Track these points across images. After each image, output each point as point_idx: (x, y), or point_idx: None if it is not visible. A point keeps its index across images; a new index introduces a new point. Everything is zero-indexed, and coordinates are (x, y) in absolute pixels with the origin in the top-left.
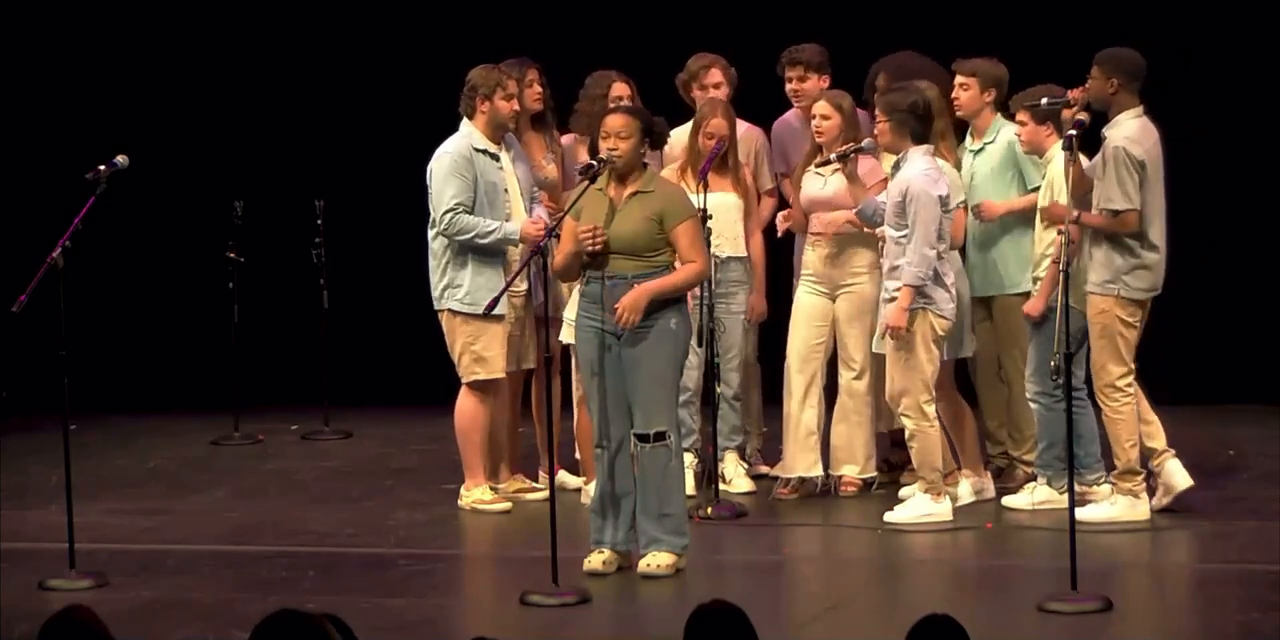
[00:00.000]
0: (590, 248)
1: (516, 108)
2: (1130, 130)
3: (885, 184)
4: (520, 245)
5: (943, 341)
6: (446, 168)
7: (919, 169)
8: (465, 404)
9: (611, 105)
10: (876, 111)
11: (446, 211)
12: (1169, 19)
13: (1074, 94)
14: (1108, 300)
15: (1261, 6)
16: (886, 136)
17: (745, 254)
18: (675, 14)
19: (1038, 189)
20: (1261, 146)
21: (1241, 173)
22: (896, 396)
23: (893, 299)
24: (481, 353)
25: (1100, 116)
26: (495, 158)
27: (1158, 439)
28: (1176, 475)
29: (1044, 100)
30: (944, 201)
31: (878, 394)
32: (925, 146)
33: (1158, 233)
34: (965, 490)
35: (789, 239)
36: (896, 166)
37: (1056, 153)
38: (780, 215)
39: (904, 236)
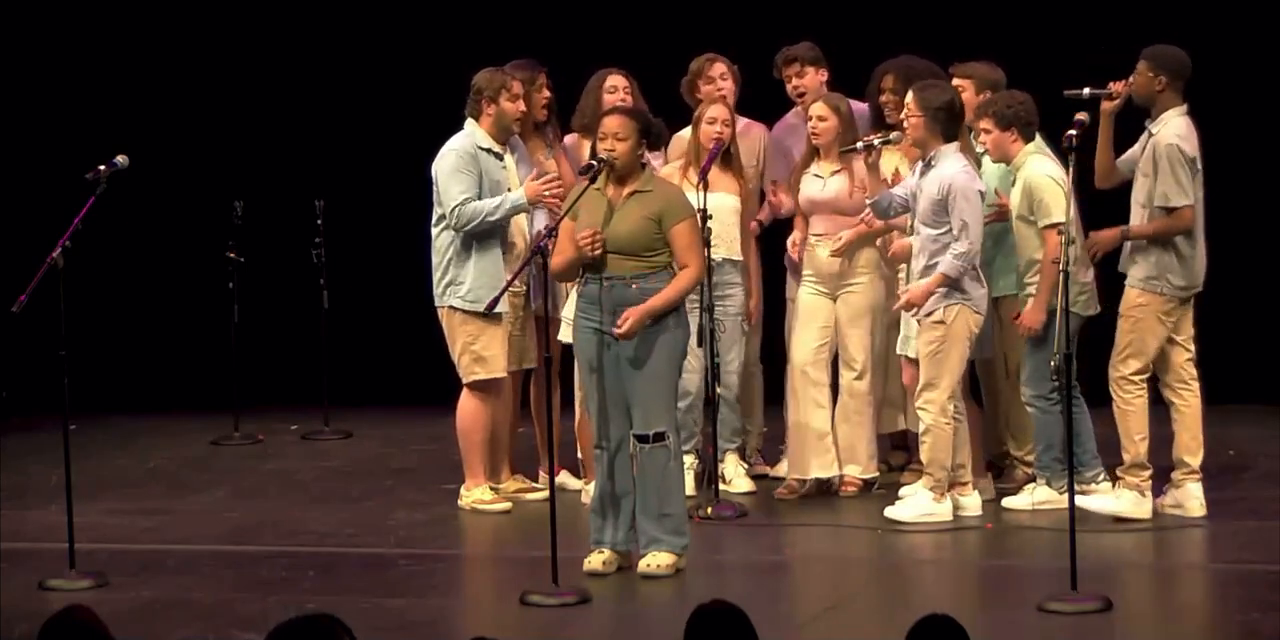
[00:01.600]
0: (590, 253)
1: (523, 109)
2: (1179, 128)
3: (888, 182)
4: (532, 209)
5: (975, 339)
6: (451, 164)
7: (957, 167)
8: (467, 404)
9: (607, 95)
10: (910, 107)
11: (456, 205)
12: (1167, 19)
13: (1116, 87)
14: (1147, 296)
15: (1260, 6)
16: (919, 132)
17: (740, 257)
18: (678, 16)
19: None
20: (1261, 148)
21: (1241, 173)
22: (920, 390)
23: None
24: (481, 352)
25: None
26: (499, 157)
27: (1196, 457)
28: (1193, 501)
29: (1086, 91)
30: (981, 196)
31: (879, 394)
32: (956, 144)
33: (1200, 231)
34: (974, 502)
35: (781, 238)
36: (928, 164)
37: (1027, 158)
38: (790, 242)
39: (943, 234)
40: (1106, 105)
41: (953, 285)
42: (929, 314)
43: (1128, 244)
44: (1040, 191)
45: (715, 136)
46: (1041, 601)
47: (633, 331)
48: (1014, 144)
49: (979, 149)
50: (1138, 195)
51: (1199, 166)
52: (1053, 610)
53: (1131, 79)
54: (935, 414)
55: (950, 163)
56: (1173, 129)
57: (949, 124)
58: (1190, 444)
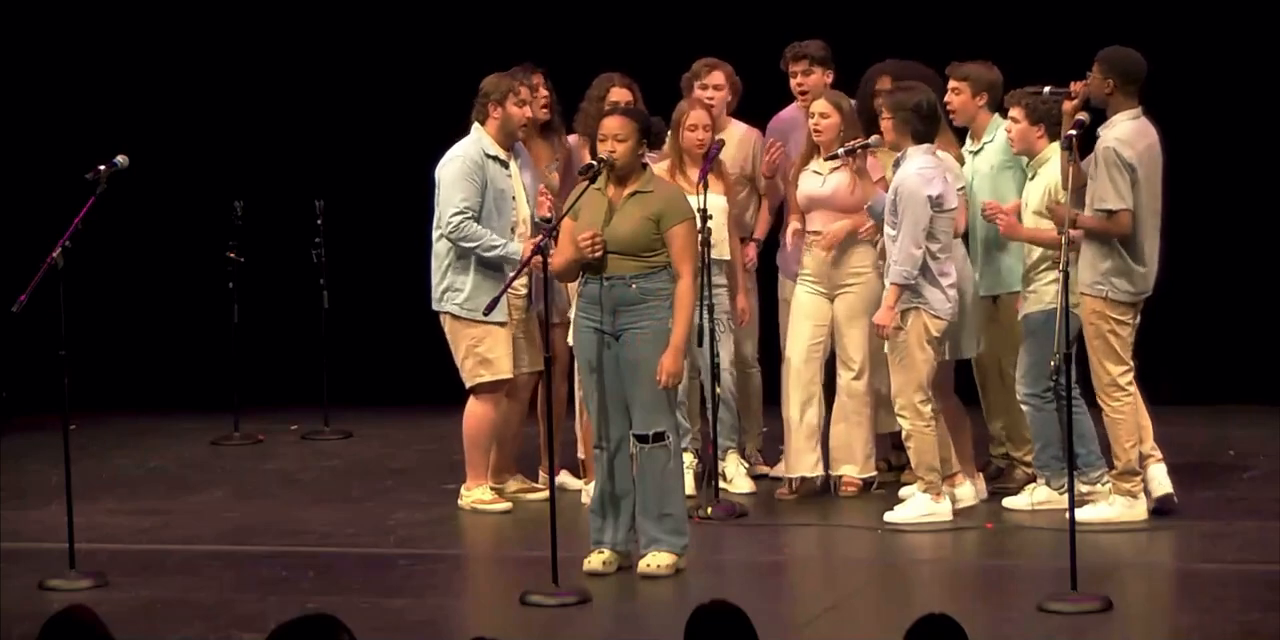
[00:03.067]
0: (590, 255)
1: (529, 114)
2: (1123, 132)
3: (885, 182)
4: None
5: (938, 342)
6: (457, 171)
7: (914, 168)
8: (474, 407)
9: (608, 108)
10: (882, 110)
11: (455, 214)
12: (1166, 19)
13: (1076, 87)
14: (1097, 301)
15: (1258, 7)
16: (890, 134)
17: (729, 257)
18: (680, 17)
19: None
20: (1260, 146)
21: (1241, 172)
22: (894, 396)
23: None
24: (486, 355)
25: (1101, 115)
26: (505, 164)
27: (1146, 442)
28: (1156, 480)
29: (1046, 90)
30: (937, 201)
31: (877, 394)
32: (926, 146)
33: (1147, 236)
34: (968, 492)
35: (775, 239)
36: (897, 164)
37: (1052, 154)
38: (791, 231)
39: (897, 235)
40: (1067, 105)
41: (909, 289)
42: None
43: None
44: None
45: (699, 142)
46: (1041, 601)
47: (675, 371)
48: (1039, 139)
49: (971, 146)
50: (1088, 197)
51: (1140, 173)
52: (1053, 610)
53: (1088, 80)
54: (912, 418)
55: (910, 164)
56: (1115, 133)
57: (920, 125)
58: (1140, 434)
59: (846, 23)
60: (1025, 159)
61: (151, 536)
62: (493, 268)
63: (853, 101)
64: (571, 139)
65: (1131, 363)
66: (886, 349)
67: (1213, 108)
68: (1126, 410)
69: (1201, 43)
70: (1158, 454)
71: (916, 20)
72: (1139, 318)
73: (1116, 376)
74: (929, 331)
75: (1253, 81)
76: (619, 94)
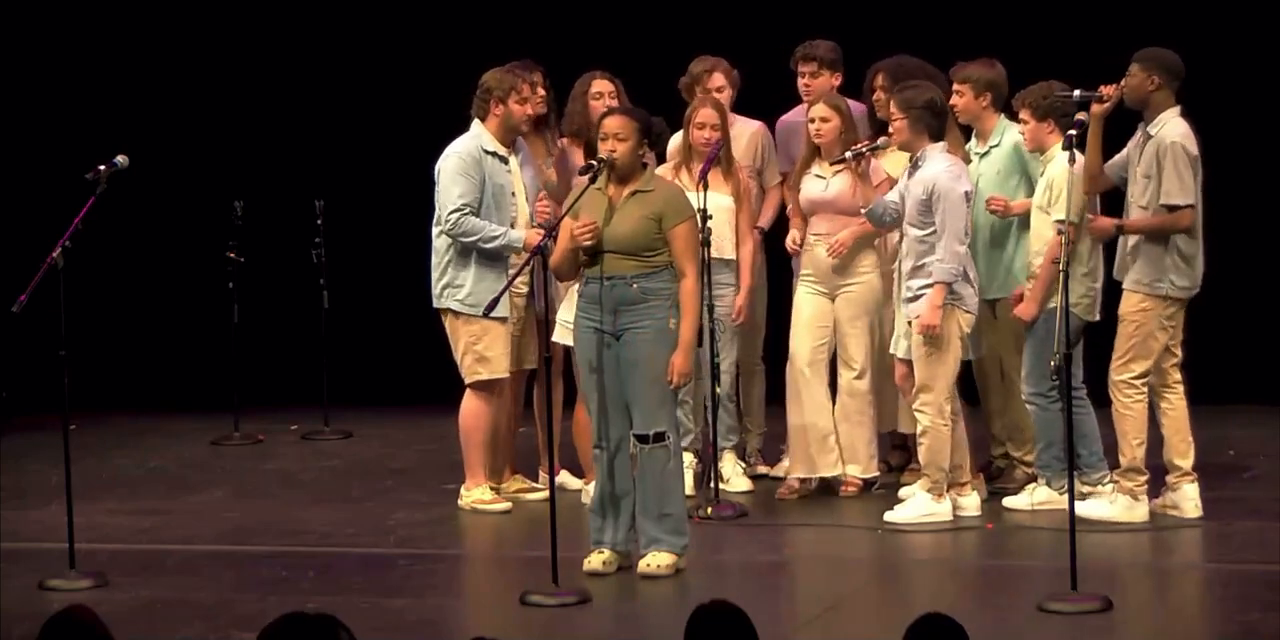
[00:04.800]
0: (583, 242)
1: (530, 111)
2: (1182, 128)
3: (889, 184)
4: (523, 253)
5: (968, 338)
6: (455, 168)
7: (942, 166)
8: (470, 404)
9: (593, 101)
10: (892, 108)
11: (453, 211)
12: (1167, 19)
13: (1107, 90)
14: (1151, 300)
15: (1257, 7)
16: (903, 134)
17: (733, 257)
18: (675, 15)
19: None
20: (1260, 147)
21: (1240, 173)
22: (918, 391)
23: (914, 298)
24: (484, 353)
25: (1117, 115)
26: (504, 160)
27: (1187, 458)
28: (1188, 502)
29: (1076, 93)
30: (967, 197)
31: (879, 394)
32: (942, 143)
33: (1199, 232)
34: (973, 502)
35: (782, 237)
36: (915, 165)
37: (1058, 151)
38: (790, 240)
39: (929, 235)
40: (1096, 108)
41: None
42: (919, 316)
43: (1123, 249)
44: (1062, 186)
45: (705, 141)
46: (1041, 601)
47: (686, 370)
48: (1050, 135)
49: (978, 148)
50: (1138, 199)
51: (1199, 167)
52: (1053, 610)
53: (1124, 81)
54: (933, 415)
55: (935, 163)
56: (1174, 129)
57: (934, 123)
58: (1180, 446)
59: (846, 22)
60: (1039, 154)
61: (151, 536)
62: (493, 263)
63: (851, 103)
64: (559, 144)
65: (1150, 366)
66: (919, 345)
67: (1208, 107)
68: (1137, 408)
69: (1208, 40)
70: (1194, 475)
71: (916, 20)
72: (1185, 320)
73: (1134, 376)
74: (962, 328)
75: (1250, 81)
76: (601, 85)
